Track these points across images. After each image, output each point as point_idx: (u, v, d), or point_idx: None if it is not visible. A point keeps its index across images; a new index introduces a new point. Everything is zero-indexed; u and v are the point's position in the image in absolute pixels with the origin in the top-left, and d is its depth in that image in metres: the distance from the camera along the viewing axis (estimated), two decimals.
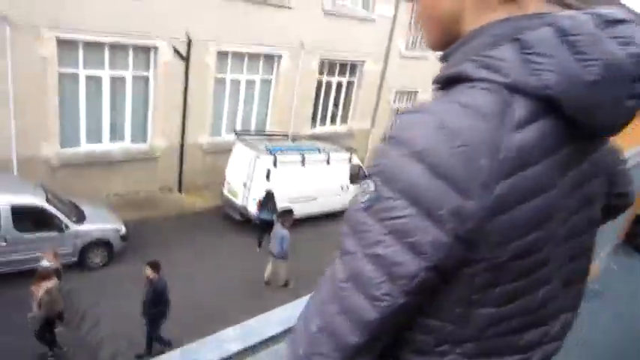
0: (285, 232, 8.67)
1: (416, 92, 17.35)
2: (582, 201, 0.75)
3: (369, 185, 0.66)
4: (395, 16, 14.88)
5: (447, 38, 0.74)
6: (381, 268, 0.64)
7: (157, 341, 6.63)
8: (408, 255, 0.63)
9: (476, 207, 0.60)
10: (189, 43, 10.54)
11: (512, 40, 0.64)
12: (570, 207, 0.73)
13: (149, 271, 6.40)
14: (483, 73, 0.64)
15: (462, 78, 0.67)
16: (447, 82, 0.70)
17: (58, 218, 7.66)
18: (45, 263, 6.30)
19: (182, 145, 11.36)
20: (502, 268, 0.67)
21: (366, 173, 0.68)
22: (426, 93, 17.69)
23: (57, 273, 6.28)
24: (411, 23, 15.40)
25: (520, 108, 0.62)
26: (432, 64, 17.08)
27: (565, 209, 0.71)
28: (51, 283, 5.99)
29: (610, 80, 0.62)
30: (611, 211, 1.07)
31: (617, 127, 0.68)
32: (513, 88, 0.62)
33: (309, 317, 0.71)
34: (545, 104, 0.63)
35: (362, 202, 0.66)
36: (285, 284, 8.75)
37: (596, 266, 4.10)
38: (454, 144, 0.60)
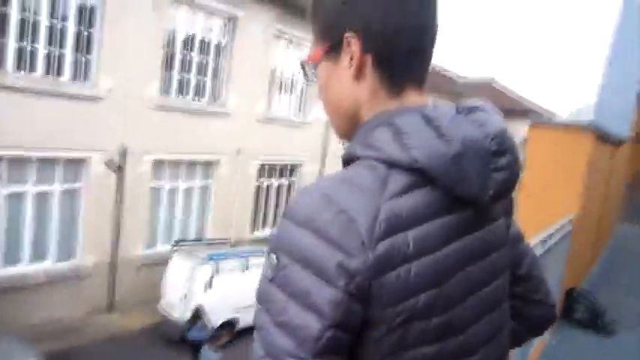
0: (214, 356, 7.75)
1: None
2: (489, 273, 0.81)
3: (272, 258, 0.71)
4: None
5: (351, 129, 0.84)
6: (290, 335, 0.67)
7: None
8: (311, 316, 0.66)
9: (360, 265, 0.66)
10: (123, 154, 10.32)
11: (388, 125, 0.75)
12: (475, 276, 0.78)
13: None
14: (366, 152, 0.75)
15: (354, 158, 0.78)
16: (346, 162, 0.80)
17: None
18: None
19: (114, 261, 10.65)
20: (404, 329, 0.70)
21: (269, 249, 0.73)
22: None
23: None
24: None
25: (396, 179, 0.71)
26: None
27: (464, 280, 0.76)
28: None
29: (470, 154, 0.72)
30: (533, 326, 1.06)
31: (491, 197, 0.76)
32: (389, 163, 0.72)
33: None
34: (420, 176, 0.71)
35: (267, 276, 0.71)
36: None
37: (538, 347, 4.01)
38: (335, 210, 0.67)
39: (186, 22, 11.39)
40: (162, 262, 10.63)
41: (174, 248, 10.64)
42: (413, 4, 0.79)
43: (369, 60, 0.79)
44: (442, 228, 0.73)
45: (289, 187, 15.21)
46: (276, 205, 14.92)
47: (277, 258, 0.70)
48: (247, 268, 10.66)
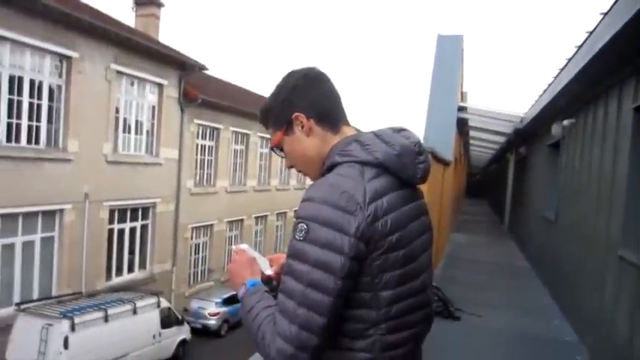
0: None
1: (212, 225, 17.63)
2: (422, 227, 1.27)
3: (302, 226, 1.10)
4: (180, 158, 15.38)
5: (321, 168, 1.28)
6: (324, 270, 1.06)
7: None
8: (337, 256, 1.07)
9: (361, 219, 1.09)
10: None
11: (355, 141, 1.22)
12: (417, 229, 1.23)
13: None
14: (344, 158, 1.20)
15: (335, 164, 1.22)
16: (327, 170, 1.23)
17: None
18: None
19: None
20: (385, 258, 1.12)
21: (296, 220, 1.12)
22: (221, 224, 18.16)
23: None
24: (196, 163, 16.18)
25: (369, 171, 1.16)
26: (220, 197, 17.82)
27: (414, 229, 1.21)
28: None
29: (405, 154, 1.20)
30: None
31: (419, 179, 1.25)
32: (361, 162, 1.18)
33: (288, 325, 1.06)
34: (381, 168, 1.17)
35: (299, 238, 1.10)
36: None
37: None
38: (340, 191, 1.11)
39: (12, 63, 10.50)
40: (4, 327, 9.40)
41: (18, 310, 9.51)
42: (321, 87, 1.31)
43: (312, 122, 1.28)
44: (398, 197, 1.18)
45: (143, 229, 14.58)
46: (131, 250, 14.17)
47: (306, 225, 1.09)
48: (107, 320, 9.99)
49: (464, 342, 5.39)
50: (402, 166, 1.19)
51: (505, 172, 19.61)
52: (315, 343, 1.07)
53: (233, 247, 1.37)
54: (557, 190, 8.49)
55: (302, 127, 1.28)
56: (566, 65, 6.74)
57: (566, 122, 7.52)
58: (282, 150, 1.35)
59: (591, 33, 5.29)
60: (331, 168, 1.22)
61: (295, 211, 1.17)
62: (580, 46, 5.86)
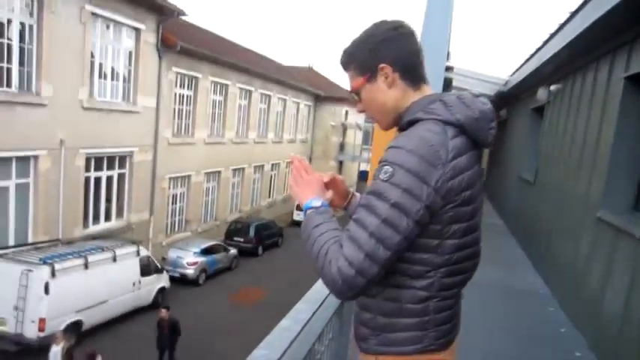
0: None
1: (189, 175, 17.52)
2: (481, 187, 1.34)
3: (387, 168, 1.18)
4: (158, 107, 15.04)
5: (394, 120, 1.37)
6: (399, 211, 1.16)
7: None
8: (415, 202, 1.16)
9: (442, 173, 1.18)
10: None
11: (439, 101, 1.28)
12: (479, 188, 1.32)
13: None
14: (429, 116, 1.25)
15: (417, 120, 1.27)
16: (408, 124, 1.29)
17: None
18: None
19: None
20: (456, 210, 1.23)
21: (382, 162, 1.20)
22: (199, 175, 18.06)
23: None
24: (175, 113, 15.86)
25: (450, 129, 1.23)
26: (198, 148, 17.63)
27: (477, 187, 1.30)
28: None
29: (482, 118, 1.27)
30: None
31: (489, 143, 1.32)
32: (444, 121, 1.23)
33: (356, 251, 1.15)
34: (460, 128, 1.24)
35: (383, 178, 1.18)
36: None
37: None
38: (427, 144, 1.19)
39: None
40: None
41: None
42: (410, 43, 1.35)
43: (397, 75, 1.33)
44: (472, 157, 1.26)
45: (120, 178, 14.37)
46: (108, 199, 14.01)
47: (392, 168, 1.17)
48: (87, 267, 10.02)
49: None
50: (478, 130, 1.27)
51: None
52: (374, 272, 1.16)
53: (291, 153, 1.44)
54: (537, 152, 8.74)
55: (386, 78, 1.32)
56: (558, 31, 6.81)
57: (553, 87, 7.66)
58: (358, 95, 1.38)
59: (587, 1, 5.34)
60: (412, 123, 1.28)
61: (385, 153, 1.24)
62: (574, 13, 5.91)
